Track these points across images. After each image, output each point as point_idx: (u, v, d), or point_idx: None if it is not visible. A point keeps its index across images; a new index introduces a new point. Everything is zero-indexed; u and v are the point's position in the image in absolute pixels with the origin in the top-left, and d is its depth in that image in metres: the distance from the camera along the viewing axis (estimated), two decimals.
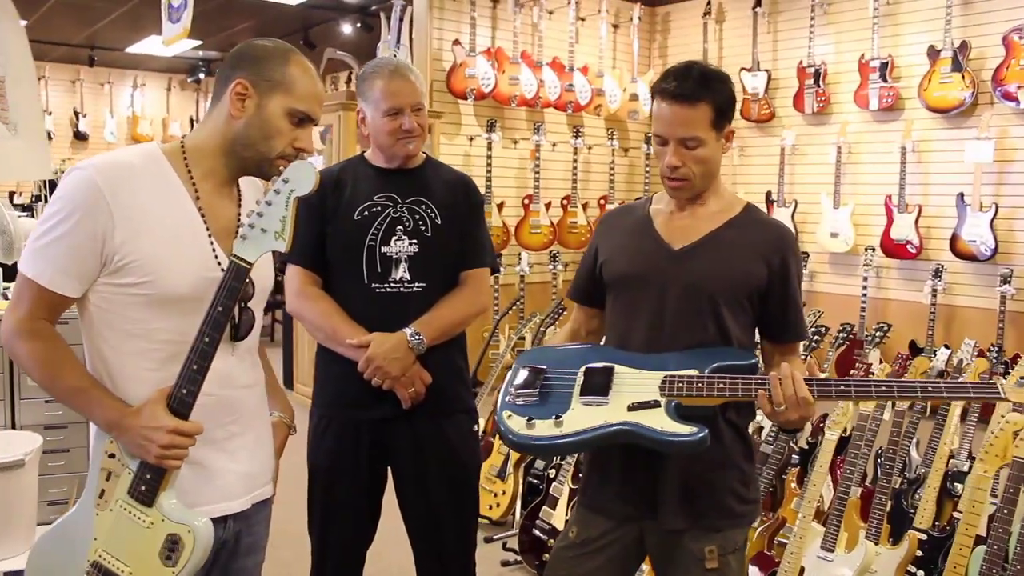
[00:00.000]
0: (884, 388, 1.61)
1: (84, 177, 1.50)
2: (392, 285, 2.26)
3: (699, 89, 1.78)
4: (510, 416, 1.78)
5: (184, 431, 1.48)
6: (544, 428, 1.73)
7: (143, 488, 1.51)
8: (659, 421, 1.69)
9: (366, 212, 2.27)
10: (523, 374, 1.84)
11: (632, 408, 1.71)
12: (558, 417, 1.73)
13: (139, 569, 1.51)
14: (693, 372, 1.73)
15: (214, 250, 1.60)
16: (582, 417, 1.73)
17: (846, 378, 1.65)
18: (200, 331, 1.48)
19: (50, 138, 11.60)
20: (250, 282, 1.59)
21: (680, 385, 1.71)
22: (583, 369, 1.81)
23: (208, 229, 1.60)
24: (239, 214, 1.68)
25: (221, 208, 1.64)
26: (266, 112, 1.60)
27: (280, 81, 1.60)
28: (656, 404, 1.71)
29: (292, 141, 1.62)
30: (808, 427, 3.62)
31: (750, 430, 3.56)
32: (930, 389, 1.58)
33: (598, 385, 1.77)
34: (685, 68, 1.81)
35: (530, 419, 1.74)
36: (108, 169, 1.52)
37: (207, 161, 1.63)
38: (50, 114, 11.73)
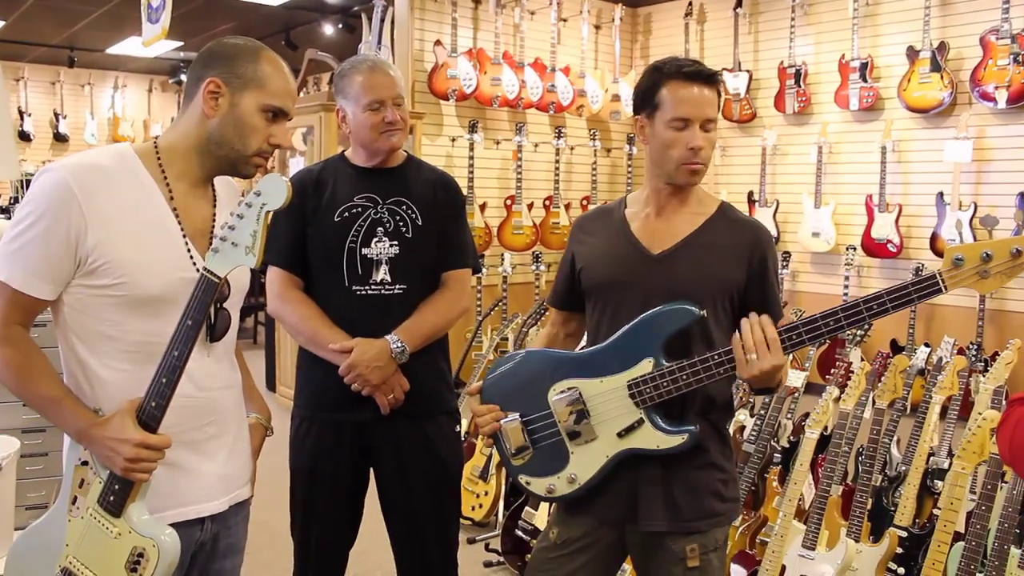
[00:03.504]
0: (833, 322, 1.65)
1: (56, 179, 1.49)
2: (373, 287, 2.25)
3: (715, 75, 1.84)
4: (528, 482, 1.90)
5: (151, 444, 1.47)
6: (563, 487, 1.86)
7: (112, 498, 1.50)
8: (652, 439, 1.78)
9: (346, 213, 2.26)
10: (509, 432, 1.89)
11: (621, 435, 1.79)
12: (572, 480, 1.84)
13: None
14: (648, 366, 1.76)
15: (189, 251, 1.59)
16: (586, 462, 1.83)
17: (794, 322, 1.69)
18: (170, 344, 1.47)
19: (30, 140, 11.51)
20: (225, 282, 1.58)
21: (648, 391, 1.76)
22: (554, 405, 1.84)
23: (183, 230, 1.59)
24: (214, 214, 1.67)
25: (196, 209, 1.63)
26: (240, 109, 1.59)
27: (252, 78, 1.59)
28: (640, 422, 1.78)
29: (267, 137, 1.62)
30: (790, 426, 3.63)
31: (732, 429, 3.60)
32: (875, 307, 1.61)
33: (578, 419, 1.82)
34: (689, 58, 1.87)
35: (550, 487, 1.87)
36: (80, 170, 1.51)
37: (181, 161, 1.62)
38: (29, 115, 11.63)
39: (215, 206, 1.68)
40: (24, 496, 3.37)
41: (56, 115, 11.94)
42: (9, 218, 5.19)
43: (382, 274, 2.25)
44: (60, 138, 11.88)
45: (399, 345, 2.20)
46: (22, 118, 11.57)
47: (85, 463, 1.54)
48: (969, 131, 5.75)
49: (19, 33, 10.00)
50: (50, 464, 3.56)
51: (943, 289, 1.58)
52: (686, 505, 1.84)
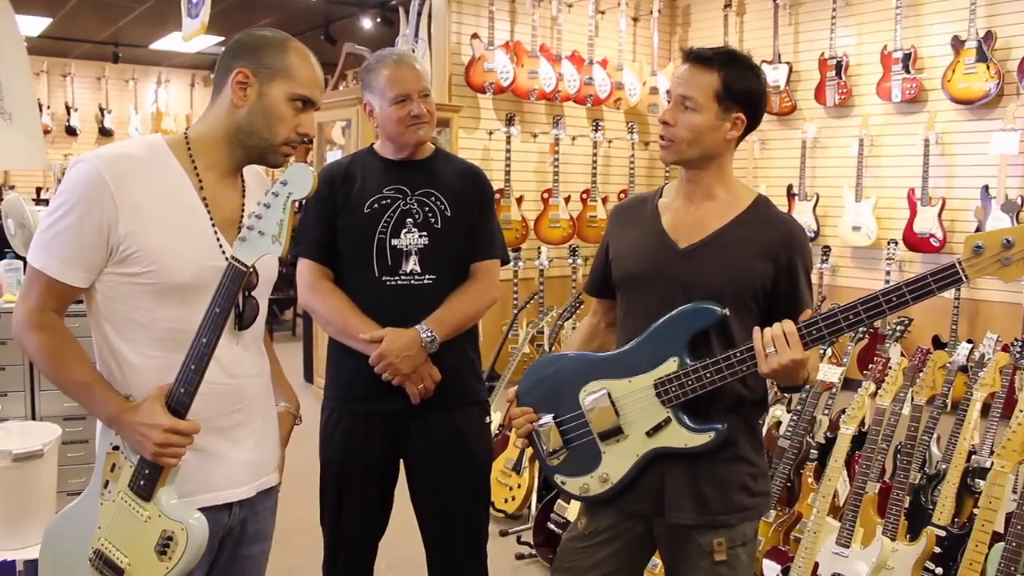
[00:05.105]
0: (852, 315, 1.63)
1: (88, 168, 1.52)
2: (403, 278, 2.26)
3: (716, 58, 1.81)
4: (564, 482, 1.92)
5: (180, 430, 1.49)
6: (597, 486, 1.88)
7: (142, 483, 1.53)
8: (680, 438, 1.79)
9: (376, 205, 2.27)
10: (544, 434, 1.91)
11: (650, 434, 1.80)
12: (604, 479, 1.86)
13: (136, 560, 1.53)
14: (673, 366, 1.76)
15: (218, 239, 1.61)
16: (617, 461, 1.85)
17: (813, 316, 1.68)
18: (198, 332, 1.49)
19: (76, 134, 11.73)
20: (253, 271, 1.60)
21: (674, 390, 1.77)
22: (585, 406, 1.86)
23: (212, 219, 1.62)
24: (243, 204, 1.69)
25: (225, 198, 1.65)
26: (268, 99, 1.61)
27: (280, 68, 1.61)
28: (668, 421, 1.78)
29: (295, 127, 1.63)
30: (826, 422, 3.58)
31: (768, 424, 3.56)
32: (894, 299, 1.59)
33: (608, 420, 1.83)
34: (721, 46, 1.86)
35: (584, 486, 1.89)
36: (112, 160, 1.54)
37: (211, 151, 1.64)
38: (76, 110, 11.85)
39: (244, 196, 1.70)
40: (66, 482, 3.43)
41: (101, 110, 12.14)
42: None
43: (412, 265, 2.26)
44: (105, 132, 12.08)
45: (429, 335, 2.21)
46: (69, 113, 11.80)
47: (116, 448, 1.57)
48: (1016, 123, 5.62)
49: (65, 30, 10.19)
50: (91, 451, 3.62)
51: (964, 278, 1.54)
52: (714, 498, 1.82)
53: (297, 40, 1.66)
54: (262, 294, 1.71)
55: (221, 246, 1.61)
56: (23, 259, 3.59)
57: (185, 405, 1.50)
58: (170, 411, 1.50)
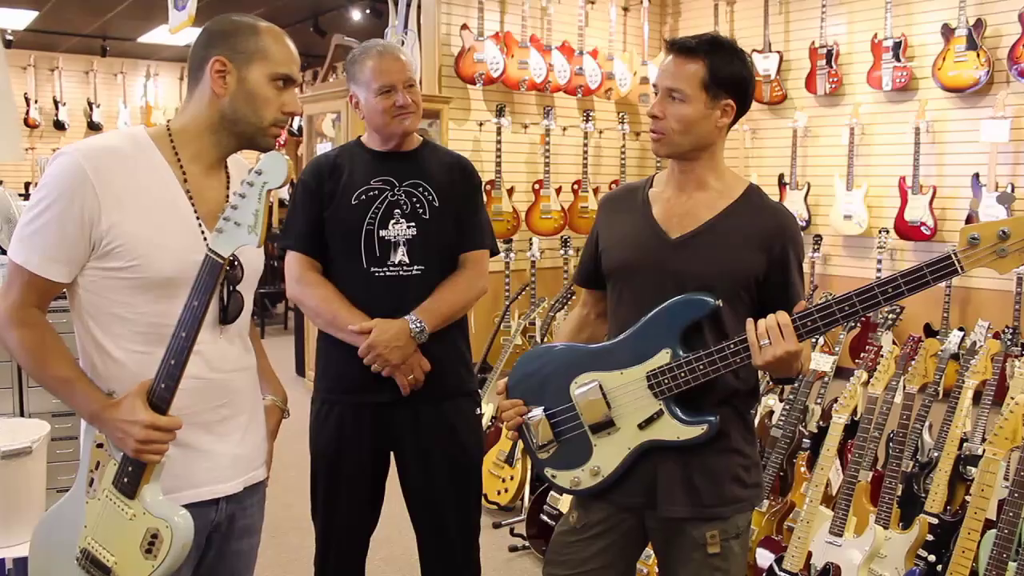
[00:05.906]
0: (848, 307, 1.62)
1: (70, 162, 1.50)
2: (391, 269, 2.25)
3: (700, 47, 1.78)
4: (554, 475, 1.90)
5: (160, 426, 1.47)
6: (588, 479, 1.85)
7: (126, 480, 1.51)
8: (672, 431, 1.77)
9: (363, 196, 2.26)
10: (534, 427, 1.89)
11: (642, 427, 1.78)
12: (596, 472, 1.84)
13: (123, 558, 1.51)
14: (666, 357, 1.75)
15: (202, 232, 1.59)
16: (609, 454, 1.82)
17: (808, 308, 1.66)
18: (177, 326, 1.47)
19: (65, 129, 11.66)
20: (238, 265, 1.58)
21: (667, 382, 1.75)
22: (576, 399, 1.83)
23: (196, 212, 1.60)
24: (227, 196, 1.67)
25: (209, 190, 1.63)
26: (249, 84, 1.59)
27: (255, 51, 1.59)
28: (660, 413, 1.77)
29: (280, 106, 1.62)
30: (819, 411, 3.58)
31: (761, 414, 3.56)
32: (889, 291, 1.58)
33: (599, 412, 1.81)
34: (703, 33, 1.83)
35: (575, 479, 1.86)
36: (94, 153, 1.52)
37: (194, 143, 1.62)
38: (64, 105, 11.78)
39: (228, 187, 1.68)
40: (55, 479, 3.41)
41: (90, 104, 12.07)
42: None
43: (400, 255, 2.25)
44: (94, 127, 12.00)
45: (418, 325, 2.20)
46: (57, 108, 11.73)
47: (100, 445, 1.56)
48: (1007, 110, 5.62)
49: (52, 23, 10.11)
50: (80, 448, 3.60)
51: (959, 270, 1.54)
52: (706, 491, 1.81)
53: (266, 21, 1.65)
54: (247, 288, 1.69)
55: (205, 239, 1.59)
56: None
57: (166, 400, 1.48)
58: (151, 407, 1.48)
